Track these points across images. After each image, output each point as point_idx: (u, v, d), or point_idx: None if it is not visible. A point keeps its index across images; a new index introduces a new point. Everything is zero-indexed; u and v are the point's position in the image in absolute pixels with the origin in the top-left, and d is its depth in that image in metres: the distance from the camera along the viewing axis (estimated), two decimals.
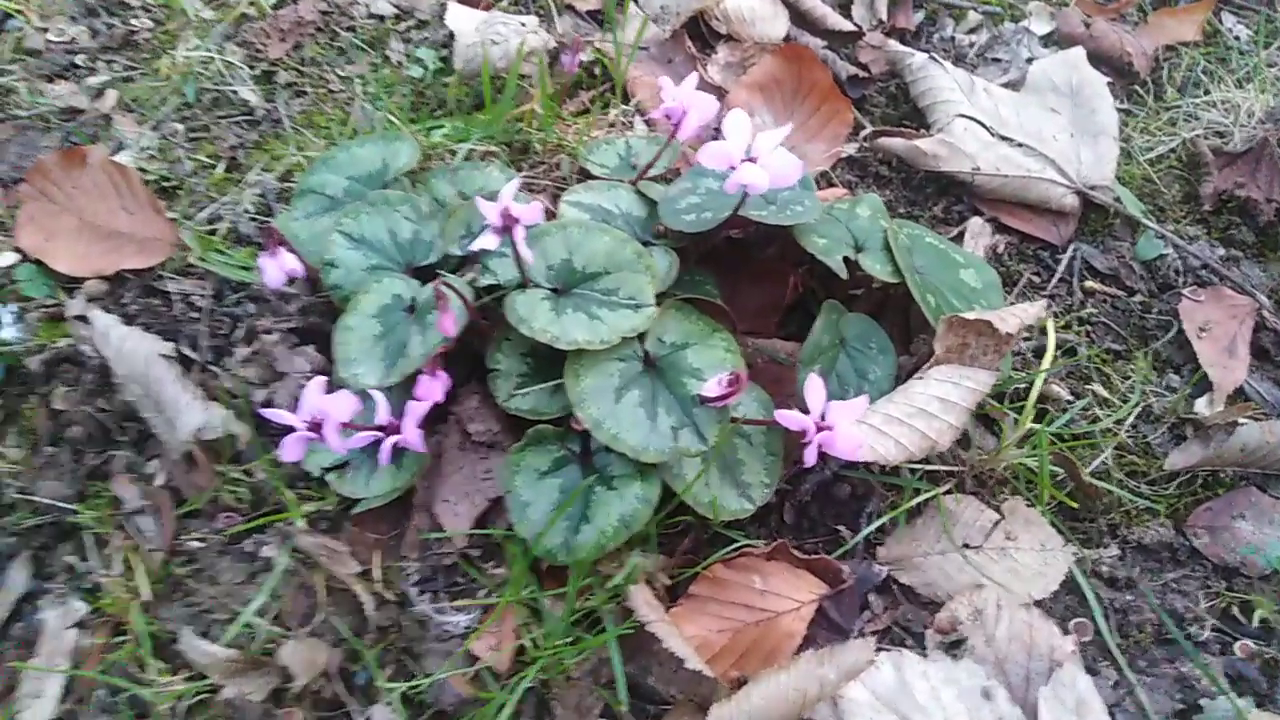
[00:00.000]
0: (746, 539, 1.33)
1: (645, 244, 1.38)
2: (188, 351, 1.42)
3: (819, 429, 1.12)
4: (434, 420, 1.35)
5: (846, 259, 1.42)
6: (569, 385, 1.25)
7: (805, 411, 1.16)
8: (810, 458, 1.12)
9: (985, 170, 1.80)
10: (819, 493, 1.42)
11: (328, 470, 1.29)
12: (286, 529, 1.24)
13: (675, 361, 1.31)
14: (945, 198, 1.85)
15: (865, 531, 1.36)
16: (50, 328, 1.45)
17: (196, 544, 1.28)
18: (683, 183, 1.47)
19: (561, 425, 1.28)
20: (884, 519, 1.38)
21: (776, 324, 1.50)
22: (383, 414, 1.15)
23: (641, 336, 1.30)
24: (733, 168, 1.22)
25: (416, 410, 1.16)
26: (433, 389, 1.19)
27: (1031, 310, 1.43)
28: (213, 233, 1.60)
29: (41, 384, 1.40)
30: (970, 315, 1.38)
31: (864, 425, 1.30)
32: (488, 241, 1.18)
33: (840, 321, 1.42)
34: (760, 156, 1.22)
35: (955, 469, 1.45)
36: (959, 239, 1.77)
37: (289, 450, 1.08)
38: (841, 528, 1.40)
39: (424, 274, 1.38)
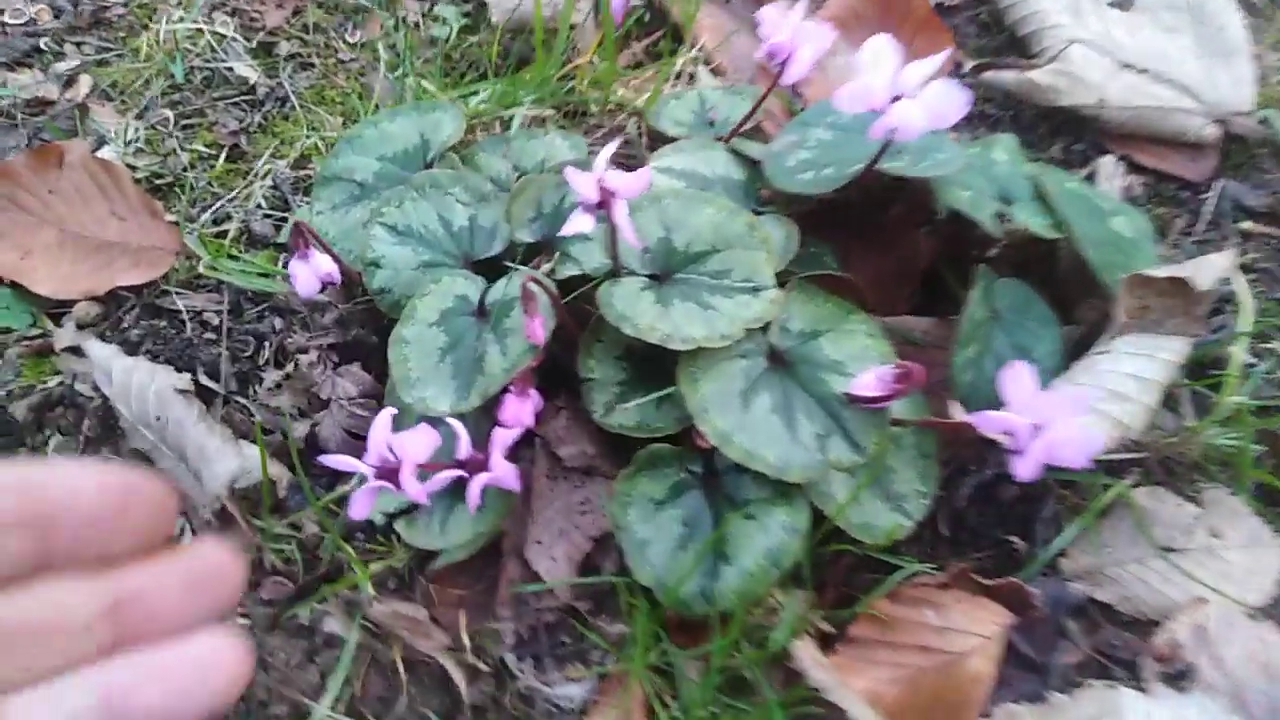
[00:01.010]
0: (900, 560, 1.10)
1: (752, 213, 1.14)
2: (207, 382, 1.18)
3: (1030, 432, 0.89)
4: (514, 445, 1.12)
5: (999, 213, 1.18)
6: (686, 393, 1.02)
7: (976, 407, 0.92)
8: (1027, 469, 0.89)
9: (1112, 102, 1.56)
10: (978, 497, 1.20)
11: (393, 517, 1.06)
12: (352, 596, 1.01)
13: (808, 354, 1.07)
14: (1063, 136, 1.61)
15: (1056, 543, 1.13)
16: (36, 364, 1.21)
17: (239, 620, 1.05)
18: (787, 136, 1.23)
19: (676, 442, 1.05)
20: (1072, 527, 1.15)
21: (906, 298, 1.26)
22: (464, 447, 0.92)
23: (764, 328, 1.06)
24: (877, 109, 0.98)
25: (504, 439, 0.93)
26: (522, 412, 0.96)
27: (1221, 261, 1.20)
28: (221, 235, 1.36)
29: (32, 433, 1.17)
30: (1155, 272, 1.15)
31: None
32: (581, 223, 0.94)
33: (991, 289, 1.19)
34: (912, 92, 0.97)
35: (1137, 455, 1.22)
36: (1088, 183, 1.53)
37: (359, 506, 0.85)
38: (1014, 538, 1.17)
39: (487, 268, 1.14)
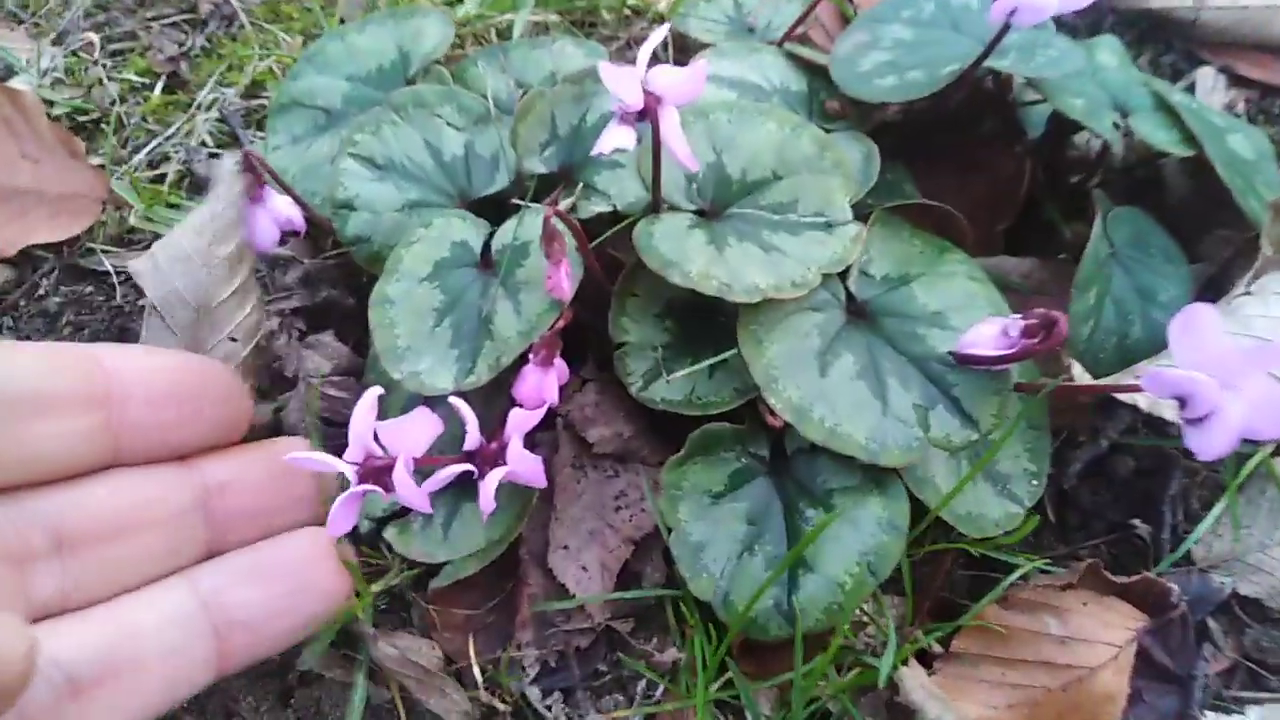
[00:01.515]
0: (1010, 556, 0.89)
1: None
2: None
3: (1216, 396, 0.68)
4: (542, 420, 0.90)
5: (1115, 125, 0.96)
6: (749, 357, 0.80)
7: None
8: (1215, 445, 0.67)
9: (1211, 3, 1.34)
10: (1090, 473, 1.00)
11: (381, 522, 0.85)
12: (356, 629, 0.79)
13: (897, 304, 0.86)
14: (1150, 45, 1.39)
15: (1201, 526, 0.93)
16: None
17: None
18: (855, 36, 1.00)
19: (734, 420, 0.84)
20: (1214, 508, 0.95)
21: (999, 235, 1.04)
22: (472, 434, 0.70)
23: (843, 273, 0.85)
24: None
25: (523, 422, 0.71)
26: (545, 386, 0.75)
27: None
28: (158, 180, 1.12)
29: None
30: None
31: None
32: (620, 138, 0.71)
33: (1108, 221, 0.97)
34: None
35: None
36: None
37: (340, 518, 0.63)
38: (1135, 522, 0.97)
39: (489, 209, 0.91)
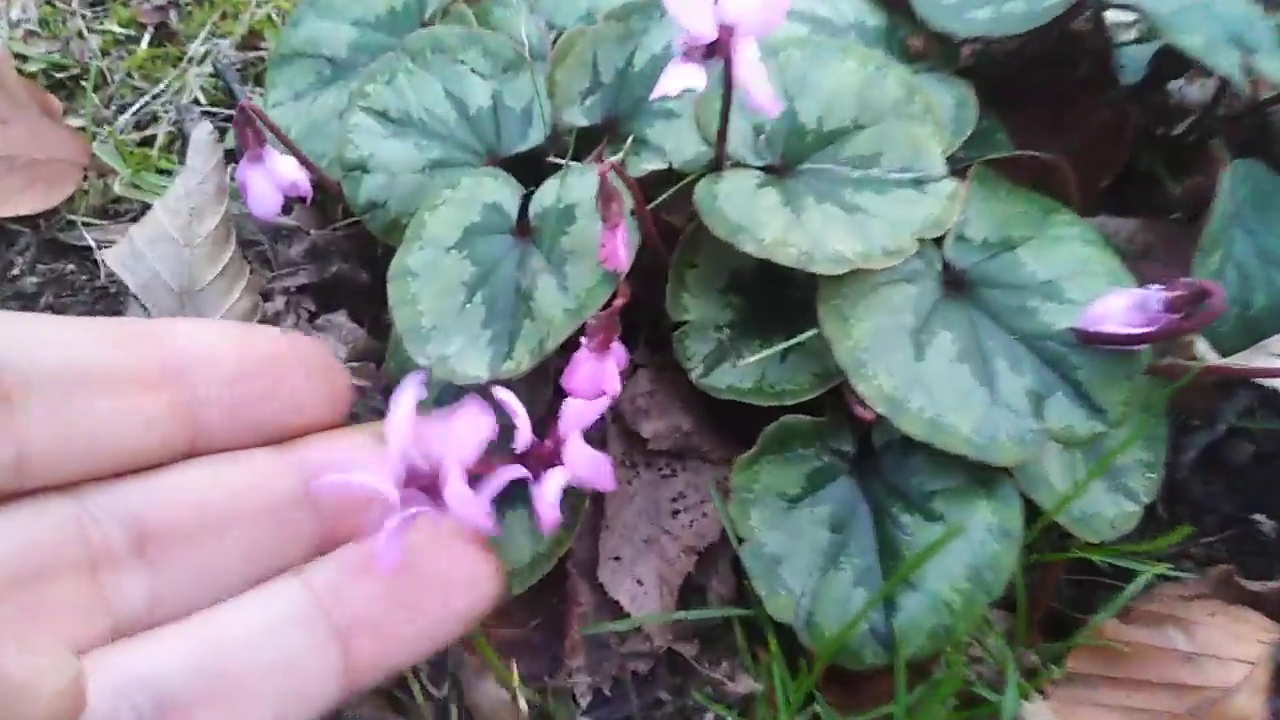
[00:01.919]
0: (1128, 561, 0.78)
1: None
2: None
3: None
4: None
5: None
6: (833, 338, 0.69)
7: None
8: None
9: None
10: (1204, 462, 0.88)
11: None
12: None
13: (1001, 273, 0.74)
14: None
15: None
16: None
17: None
18: None
19: (812, 411, 0.72)
20: None
21: (1101, 193, 0.92)
22: (524, 432, 0.58)
23: (939, 238, 0.73)
24: None
25: (582, 416, 0.59)
26: (602, 375, 0.63)
27: None
28: (146, 143, 1.00)
29: None
30: None
31: None
32: (686, 77, 0.59)
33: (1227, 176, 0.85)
34: None
35: None
36: None
37: (390, 552, 0.51)
38: (1259, 516, 0.85)
39: (521, 168, 0.79)
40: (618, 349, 0.64)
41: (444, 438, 0.50)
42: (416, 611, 0.50)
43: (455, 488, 0.49)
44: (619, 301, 0.61)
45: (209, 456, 0.52)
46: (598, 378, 0.62)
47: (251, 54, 1.06)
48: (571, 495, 0.71)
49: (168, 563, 0.49)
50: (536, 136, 0.80)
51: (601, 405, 0.60)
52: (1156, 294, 0.64)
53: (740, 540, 0.70)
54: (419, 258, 0.72)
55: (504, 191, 0.74)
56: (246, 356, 0.53)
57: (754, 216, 0.68)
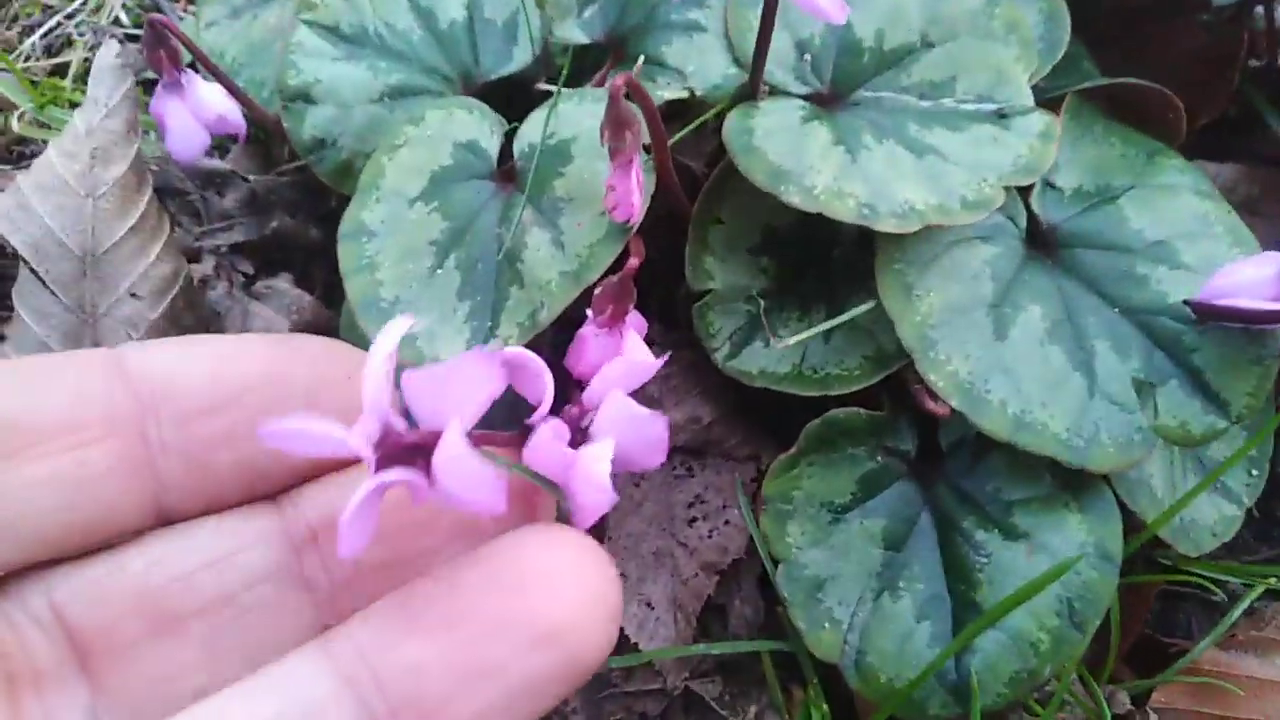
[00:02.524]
0: (1226, 575, 0.66)
1: None
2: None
3: None
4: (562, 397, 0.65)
5: None
6: (897, 311, 0.55)
7: None
8: None
9: None
10: None
11: None
12: None
13: (1101, 230, 0.60)
14: None
15: None
16: None
17: None
18: None
19: (866, 402, 0.59)
20: None
21: (1203, 131, 0.77)
22: (542, 390, 0.41)
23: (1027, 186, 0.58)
24: None
25: (630, 377, 0.42)
26: (619, 359, 0.48)
27: None
28: (58, 72, 0.84)
29: None
30: None
31: None
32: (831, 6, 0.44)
33: None
34: None
35: None
36: None
37: (353, 535, 0.36)
38: None
39: (504, 96, 0.64)
40: (635, 319, 0.50)
41: (435, 395, 0.35)
42: (484, 673, 0.34)
43: (452, 451, 0.34)
44: (632, 262, 0.46)
45: (174, 527, 0.38)
46: (615, 358, 0.48)
47: None
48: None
49: (115, 676, 0.36)
50: (523, 57, 0.65)
51: (657, 365, 0.44)
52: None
53: (776, 561, 0.56)
54: (376, 212, 0.57)
55: (481, 126, 0.59)
56: (222, 381, 0.38)
57: (800, 158, 0.54)
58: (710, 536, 0.62)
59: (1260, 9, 0.88)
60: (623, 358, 0.42)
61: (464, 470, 0.34)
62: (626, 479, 0.63)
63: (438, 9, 0.67)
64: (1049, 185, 0.61)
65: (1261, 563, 0.74)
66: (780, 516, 0.57)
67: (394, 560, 0.41)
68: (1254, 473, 0.66)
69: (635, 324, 0.50)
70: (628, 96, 0.48)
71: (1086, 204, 0.61)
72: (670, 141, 0.59)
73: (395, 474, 0.34)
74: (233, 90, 0.66)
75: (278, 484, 0.40)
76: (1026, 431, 0.54)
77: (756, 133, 0.54)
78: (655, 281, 0.63)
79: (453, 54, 0.67)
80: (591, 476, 0.35)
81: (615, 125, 0.45)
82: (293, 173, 0.75)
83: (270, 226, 0.70)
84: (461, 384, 0.36)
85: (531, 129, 0.58)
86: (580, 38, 0.62)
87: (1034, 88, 0.63)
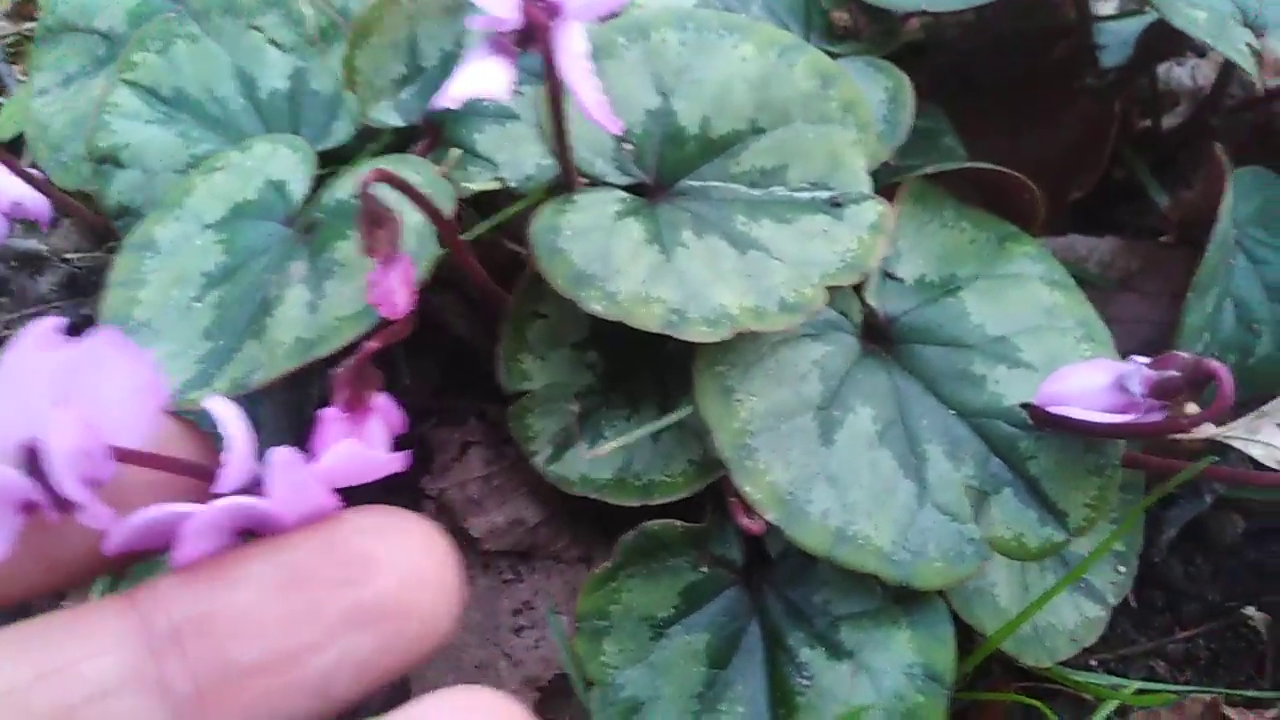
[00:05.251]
0: (1067, 683, 0.65)
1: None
2: None
3: None
4: (398, 503, 0.63)
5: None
6: (714, 418, 0.53)
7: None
8: None
9: None
10: (1181, 539, 0.74)
11: None
12: None
13: (941, 324, 0.58)
14: None
15: None
16: None
17: None
18: None
19: (691, 513, 0.57)
20: None
21: (1068, 206, 0.76)
22: (235, 466, 0.38)
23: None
24: None
25: (304, 494, 0.40)
26: (354, 451, 0.45)
27: None
28: None
29: None
30: None
31: None
32: (484, 81, 0.42)
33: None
34: None
35: None
36: None
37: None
38: (1250, 610, 0.72)
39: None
40: (387, 409, 0.48)
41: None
42: (310, 654, 0.33)
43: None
44: (368, 345, 0.44)
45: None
46: (345, 450, 0.45)
47: (24, 26, 0.86)
48: None
49: None
50: (342, 132, 0.63)
51: (379, 469, 0.43)
52: (1139, 371, 0.49)
53: (589, 684, 0.54)
54: (170, 230, 0.56)
55: (298, 170, 0.57)
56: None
57: (608, 260, 0.52)
58: (536, 646, 0.60)
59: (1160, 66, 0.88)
60: (339, 446, 0.40)
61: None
62: None
63: (260, 77, 0.65)
64: (889, 276, 0.59)
65: (1140, 655, 0.73)
66: (596, 634, 0.55)
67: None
68: (1120, 569, 0.65)
69: (389, 415, 0.48)
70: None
71: (928, 295, 0.59)
72: (491, 224, 0.58)
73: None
74: (21, 173, 0.64)
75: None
76: (847, 545, 0.52)
77: (564, 232, 0.53)
78: (479, 377, 0.61)
79: (272, 125, 0.64)
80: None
81: (367, 222, 0.43)
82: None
83: (89, 310, 0.68)
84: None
85: (342, 184, 0.56)
86: (395, 120, 0.60)
87: (886, 168, 0.63)
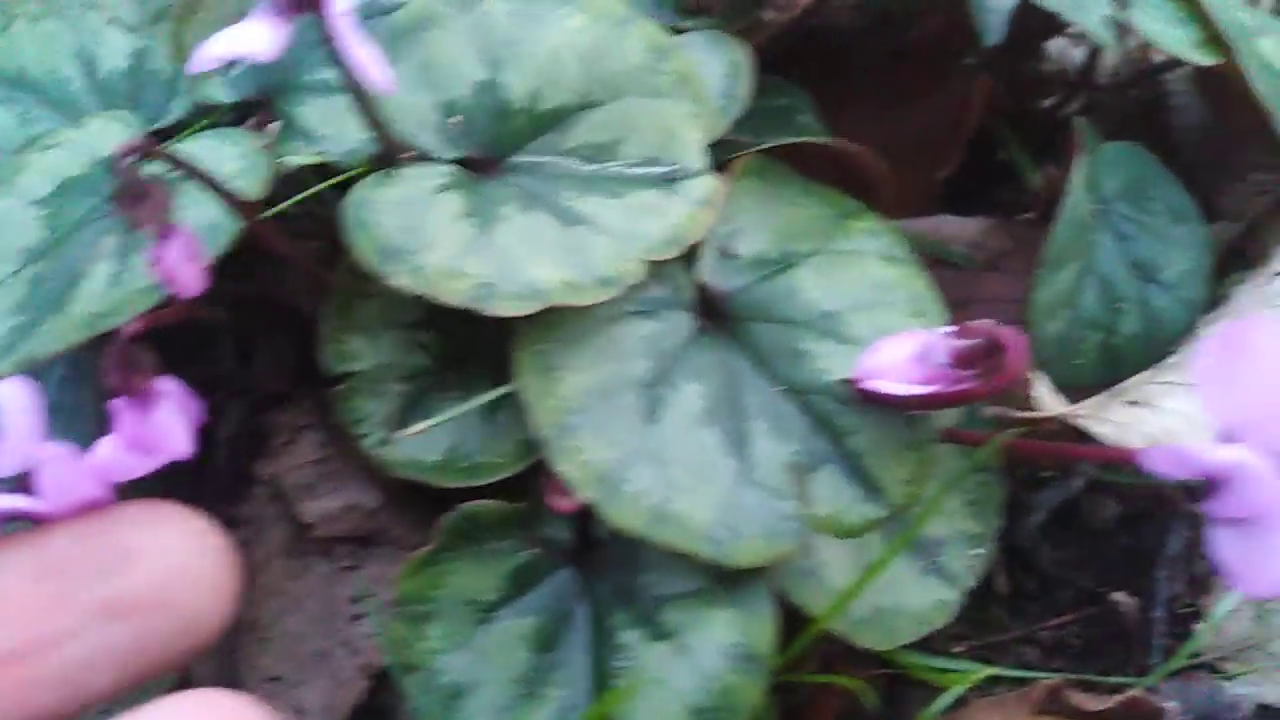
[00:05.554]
0: (936, 664, 0.64)
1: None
2: None
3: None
4: (232, 489, 0.63)
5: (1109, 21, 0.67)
6: (532, 395, 0.53)
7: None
8: (1269, 573, 0.41)
9: None
10: (1057, 525, 0.74)
11: None
12: None
13: (775, 301, 0.58)
14: None
15: (1220, 607, 0.68)
16: None
17: None
18: None
19: (523, 494, 0.56)
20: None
21: (938, 185, 0.76)
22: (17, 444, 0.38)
23: (690, 253, 0.56)
24: None
25: (72, 489, 0.40)
26: (146, 434, 0.45)
27: None
28: None
29: None
30: None
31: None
32: (246, 38, 0.41)
33: (1094, 163, 0.69)
34: None
35: None
36: None
37: None
38: (1118, 595, 0.71)
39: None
40: (179, 395, 0.47)
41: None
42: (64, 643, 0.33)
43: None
44: (129, 327, 0.43)
45: None
46: (142, 435, 0.45)
47: None
48: None
49: None
50: (179, 110, 0.62)
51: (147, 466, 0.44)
52: (941, 341, 0.48)
53: (409, 670, 0.54)
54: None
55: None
56: None
57: (419, 234, 0.51)
58: (377, 634, 0.59)
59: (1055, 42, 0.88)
60: (105, 441, 0.40)
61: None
62: (284, 576, 0.60)
63: (100, 56, 0.64)
64: (726, 253, 0.59)
65: (1012, 641, 0.73)
66: (417, 619, 0.54)
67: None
68: (976, 551, 0.64)
69: (182, 402, 0.47)
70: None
71: (765, 272, 0.58)
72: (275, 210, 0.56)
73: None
74: None
75: None
76: (664, 524, 0.51)
77: (376, 205, 0.52)
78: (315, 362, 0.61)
79: (111, 104, 0.64)
80: None
81: (124, 199, 0.43)
82: None
83: None
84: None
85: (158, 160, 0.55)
86: (226, 96, 0.60)
87: (738, 144, 0.62)
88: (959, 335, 0.47)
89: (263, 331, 0.68)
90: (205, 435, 0.68)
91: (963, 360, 0.47)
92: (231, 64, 0.60)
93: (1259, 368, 0.42)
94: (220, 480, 0.66)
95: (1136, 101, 0.82)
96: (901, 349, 0.50)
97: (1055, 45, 0.88)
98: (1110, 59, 0.85)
